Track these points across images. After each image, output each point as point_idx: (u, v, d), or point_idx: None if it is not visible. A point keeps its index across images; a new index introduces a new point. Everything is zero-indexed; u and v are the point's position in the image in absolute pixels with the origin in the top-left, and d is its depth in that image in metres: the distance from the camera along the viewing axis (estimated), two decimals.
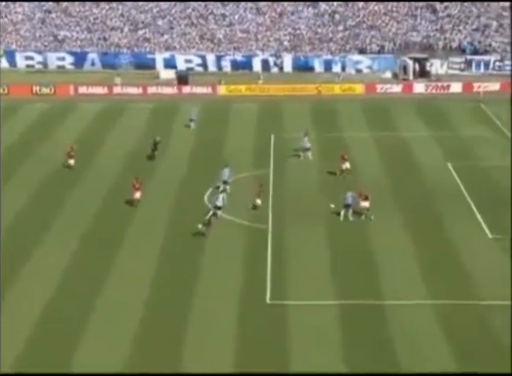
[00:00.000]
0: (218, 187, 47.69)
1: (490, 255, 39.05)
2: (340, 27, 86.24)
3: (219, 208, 42.82)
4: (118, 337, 32.13)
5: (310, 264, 38.33)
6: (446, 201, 46.04)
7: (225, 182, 47.84)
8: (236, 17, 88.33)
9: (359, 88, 75.08)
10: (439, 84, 75.42)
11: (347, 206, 43.13)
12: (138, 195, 45.26)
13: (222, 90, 75.27)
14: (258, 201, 45.02)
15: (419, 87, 75.29)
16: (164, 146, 57.29)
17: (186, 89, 75.58)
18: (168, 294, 35.68)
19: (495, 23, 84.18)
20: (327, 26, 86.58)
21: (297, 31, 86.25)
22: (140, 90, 74.87)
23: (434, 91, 74.65)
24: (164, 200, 46.67)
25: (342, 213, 43.18)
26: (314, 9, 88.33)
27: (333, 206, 43.25)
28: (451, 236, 41.33)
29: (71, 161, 52.18)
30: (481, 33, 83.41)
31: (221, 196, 43.69)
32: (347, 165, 49.99)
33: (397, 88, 75.27)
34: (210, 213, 42.40)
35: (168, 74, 79.38)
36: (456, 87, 74.60)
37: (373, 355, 30.62)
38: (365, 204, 43.17)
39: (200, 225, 41.36)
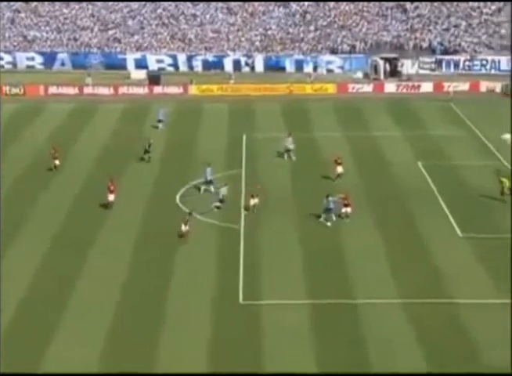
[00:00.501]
0: (199, 187, 47.71)
1: (461, 254, 39.39)
2: (312, 27, 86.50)
3: (222, 201, 44.24)
4: (91, 336, 32.09)
5: (283, 264, 38.44)
6: (417, 200, 46.38)
7: (208, 182, 47.84)
8: (207, 17, 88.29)
9: (331, 88, 75.35)
10: (410, 83, 75.90)
11: (328, 210, 42.72)
12: (112, 197, 45.08)
13: (194, 90, 75.18)
14: (253, 201, 44.55)
15: (390, 87, 75.72)
16: (137, 147, 57.13)
17: (158, 89, 75.41)
18: (141, 294, 35.61)
19: (464, 23, 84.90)
20: (298, 26, 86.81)
21: (269, 31, 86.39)
22: (111, 90, 74.58)
23: (405, 90, 75.12)
24: (136, 200, 46.55)
25: (322, 217, 42.60)
26: (285, 8, 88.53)
27: (329, 224, 42.38)
28: (422, 235, 41.65)
29: (56, 162, 51.91)
30: (450, 33, 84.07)
31: (223, 189, 44.82)
32: (340, 169, 49.19)
33: (368, 88, 75.66)
34: (213, 205, 43.73)
35: (139, 74, 79.15)
36: (427, 87, 75.14)
37: (344, 355, 30.78)
38: (347, 209, 42.73)
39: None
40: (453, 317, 33.36)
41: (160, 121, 62.37)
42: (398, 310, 33.90)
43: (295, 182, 49.97)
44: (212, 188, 47.63)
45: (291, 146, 54.29)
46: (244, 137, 59.97)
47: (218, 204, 45.11)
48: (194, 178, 50.46)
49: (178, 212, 44.90)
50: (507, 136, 52.70)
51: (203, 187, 47.91)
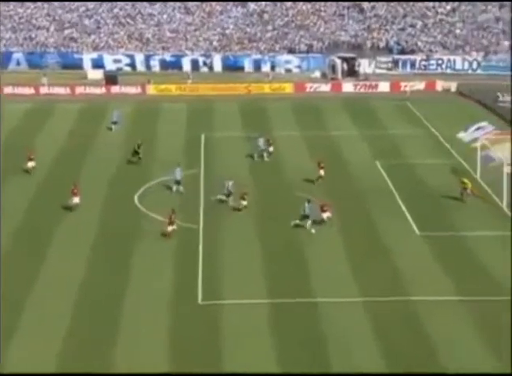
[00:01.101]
0: (170, 187, 47.41)
1: (419, 252, 39.69)
2: (269, 27, 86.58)
3: (228, 195, 44.84)
4: (48, 336, 31.85)
5: (242, 263, 38.39)
6: (375, 199, 46.64)
7: (177, 182, 47.57)
8: (165, 17, 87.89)
9: (289, 88, 75.51)
10: (367, 83, 76.35)
11: (305, 217, 42.04)
12: (77, 200, 44.60)
13: (152, 90, 74.83)
14: (244, 203, 44.30)
15: (347, 86, 76.08)
16: (94, 147, 56.75)
17: (115, 89, 74.90)
18: (98, 294, 35.32)
19: (420, 23, 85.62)
20: (256, 25, 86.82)
21: (227, 31, 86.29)
22: (68, 90, 73.91)
23: (362, 90, 75.55)
24: (94, 201, 46.11)
25: (308, 224, 41.72)
26: (243, 8, 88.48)
27: (313, 231, 41.66)
28: (380, 234, 41.88)
29: (30, 164, 51.10)
30: (407, 33, 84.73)
31: (230, 183, 45.29)
32: (322, 172, 48.81)
33: (326, 88, 75.93)
34: (219, 197, 44.41)
35: (96, 74, 78.52)
36: (384, 86, 75.64)
37: (305, 354, 30.80)
38: (326, 214, 42.13)
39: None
40: (412, 315, 33.58)
41: (114, 122, 61.70)
42: (358, 309, 34.04)
43: (255, 182, 49.95)
44: (181, 188, 47.43)
45: (263, 147, 54.03)
46: (203, 137, 59.83)
47: (222, 197, 45.17)
48: (153, 178, 50.21)
49: (137, 212, 44.65)
50: (462, 135, 53.22)
51: (174, 187, 47.65)
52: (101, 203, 46.12)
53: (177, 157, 53.95)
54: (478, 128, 52.80)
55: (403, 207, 45.39)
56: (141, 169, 52.16)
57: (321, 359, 30.47)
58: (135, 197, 47.06)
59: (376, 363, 30.19)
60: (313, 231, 41.46)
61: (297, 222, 41.88)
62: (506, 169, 45.47)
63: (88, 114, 66.37)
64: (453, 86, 75.25)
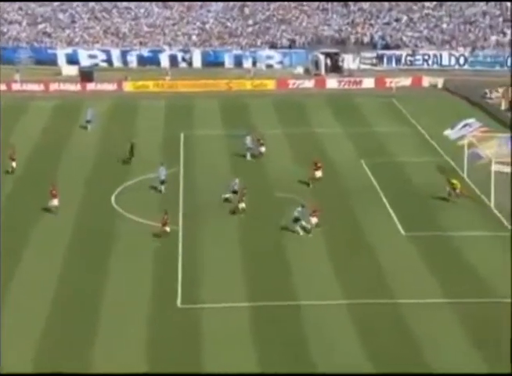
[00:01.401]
0: (154, 187, 47.28)
1: (404, 253, 39.82)
2: (250, 21, 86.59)
3: (235, 192, 45.11)
4: (25, 337, 31.86)
5: (222, 266, 38.39)
6: (360, 199, 46.75)
7: (162, 182, 47.40)
8: (142, 11, 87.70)
9: (271, 84, 75.56)
10: (351, 79, 76.55)
11: (296, 220, 41.61)
12: (55, 202, 44.33)
13: (129, 87, 74.68)
14: (242, 205, 43.81)
15: (331, 82, 76.24)
16: (69, 146, 56.60)
17: (91, 86, 74.70)
18: (75, 297, 35.26)
19: (405, 18, 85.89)
20: (237, 20, 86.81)
21: (206, 25, 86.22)
22: (41, 87, 73.65)
23: (346, 86, 75.73)
24: (71, 202, 45.85)
25: (297, 227, 41.43)
26: (223, 2, 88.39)
27: (301, 233, 41.24)
28: (365, 234, 41.98)
29: (13, 164, 50.79)
30: (392, 27, 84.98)
31: (236, 181, 45.60)
32: (319, 174, 48.35)
33: (309, 84, 76.06)
34: (226, 196, 44.81)
35: (71, 70, 78.26)
36: (369, 82, 75.85)
37: (287, 357, 30.83)
38: (314, 219, 41.67)
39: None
40: (397, 317, 33.69)
41: (88, 121, 61.35)
42: (342, 311, 34.11)
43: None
44: (163, 188, 47.28)
45: (250, 145, 53.78)
46: (182, 135, 59.74)
47: (228, 195, 45.22)
48: (130, 178, 50.11)
49: (114, 213, 44.57)
50: (449, 132, 53.44)
51: (159, 187, 47.47)
52: (77, 203, 45.98)
53: (155, 156, 53.84)
54: (465, 125, 53.08)
55: (388, 207, 45.53)
56: (118, 169, 52.02)
57: (304, 363, 30.48)
58: (112, 198, 46.95)
59: (360, 364, 30.24)
60: (301, 233, 41.28)
61: (296, 226, 41.40)
62: (495, 168, 45.64)
63: (62, 112, 66.14)
64: (440, 82, 75.58)
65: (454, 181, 46.47)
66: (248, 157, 53.87)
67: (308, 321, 33.30)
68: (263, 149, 54.07)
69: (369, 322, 33.27)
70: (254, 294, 35.58)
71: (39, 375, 29.98)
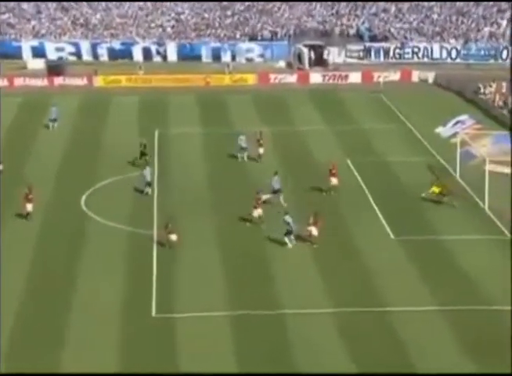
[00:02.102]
0: (142, 191, 47.28)
1: (394, 258, 39.98)
2: (229, 12, 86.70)
3: (275, 192, 45.42)
4: None
5: (200, 273, 38.41)
6: (346, 201, 46.91)
7: (148, 184, 47.34)
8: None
9: (251, 79, 75.71)
10: (337, 73, 76.83)
11: (288, 233, 40.65)
12: (30, 207, 43.88)
13: (99, 81, 74.61)
14: (258, 212, 42.98)
15: (315, 77, 76.49)
16: (36, 145, 56.48)
17: (58, 81, 74.55)
18: (42, 307, 35.14)
19: (393, 8, 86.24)
20: (214, 10, 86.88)
21: (181, 16, 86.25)
22: (5, 82, 73.46)
23: (331, 81, 76.00)
24: (38, 204, 45.58)
25: (287, 240, 40.66)
26: None
27: (290, 246, 40.66)
28: (352, 238, 42.14)
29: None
30: (379, 18, 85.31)
31: (275, 178, 45.65)
32: (334, 181, 47.58)
33: (292, 78, 76.27)
34: (265, 197, 44.60)
35: (37, 64, 78.08)
36: (355, 77, 76.15)
37: (270, 367, 30.86)
38: (312, 228, 40.95)
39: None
40: (386, 325, 33.82)
41: (53, 119, 60.95)
42: (328, 319, 34.21)
43: (214, 183, 49.98)
44: (149, 190, 47.26)
45: (244, 145, 53.44)
46: (156, 133, 59.74)
47: (269, 196, 45.06)
48: (100, 179, 50.07)
49: (84, 216, 44.54)
50: (441, 129, 53.76)
51: (148, 189, 47.38)
52: (45, 206, 45.84)
53: (127, 156, 53.80)
54: (458, 122, 53.41)
55: (377, 210, 45.73)
56: (87, 170, 51.98)
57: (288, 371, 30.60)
58: (82, 200, 46.89)
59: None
60: (290, 246, 40.66)
61: (287, 238, 40.66)
62: (489, 167, 45.92)
63: (28, 109, 65.96)
64: (430, 76, 76.03)
65: (435, 190, 46.13)
66: (243, 158, 53.24)
67: (292, 331, 33.39)
68: (261, 150, 53.35)
69: (356, 331, 33.40)
70: (234, 302, 35.64)
71: (40, 375, 30.14)
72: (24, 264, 39.11)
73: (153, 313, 34.93)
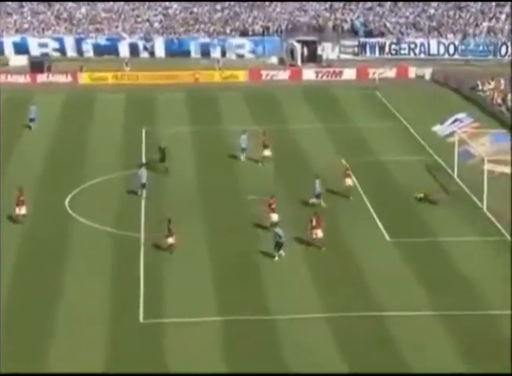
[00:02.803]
0: (137, 193, 47.18)
1: (389, 260, 40.05)
2: (218, 6, 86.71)
3: (318, 196, 45.53)
4: None
5: (189, 277, 38.43)
6: (340, 202, 46.97)
7: (143, 186, 47.23)
8: None
9: (242, 76, 75.80)
10: (331, 70, 76.97)
11: (279, 246, 39.63)
12: (23, 210, 43.63)
13: (84, 78, 74.62)
14: (275, 217, 42.49)
15: (308, 73, 76.62)
16: (18, 144, 56.42)
17: (42, 78, 74.48)
18: (24, 313, 35.08)
19: (389, 2, 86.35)
20: (203, 4, 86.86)
21: (169, 10, 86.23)
22: None
23: (325, 78, 76.14)
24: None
25: (276, 254, 39.77)
26: None
27: (276, 259, 39.61)
28: (346, 240, 42.20)
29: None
30: (374, 12, 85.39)
31: (317, 181, 45.65)
32: (349, 182, 47.44)
33: (284, 75, 76.38)
34: (310, 202, 45.01)
35: (20, 61, 78.00)
36: (350, 73, 76.32)
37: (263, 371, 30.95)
38: (317, 232, 40.58)
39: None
40: (381, 330, 33.86)
41: (32, 119, 60.86)
42: (321, 325, 34.24)
43: (204, 183, 49.99)
44: (144, 192, 47.14)
45: (245, 146, 53.02)
46: (144, 132, 59.74)
47: (315, 200, 45.26)
48: (85, 180, 50.07)
49: (69, 219, 44.52)
50: (438, 128, 53.89)
51: (143, 191, 47.21)
52: (28, 207, 45.71)
53: (114, 156, 53.79)
54: (456, 121, 53.53)
55: (372, 211, 45.81)
56: (73, 170, 51.98)
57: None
58: (66, 202, 46.87)
59: None
60: (276, 258, 39.81)
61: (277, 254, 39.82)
62: (488, 167, 46.02)
63: (10, 107, 65.85)
64: (427, 73, 76.23)
65: (420, 195, 46.29)
66: (242, 158, 53.04)
67: (284, 336, 33.42)
68: (267, 152, 52.73)
69: (350, 336, 33.44)
70: (224, 307, 35.66)
71: (43, 375, 30.25)
72: (7, 267, 39.04)
73: (141, 319, 34.93)
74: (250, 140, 53.61)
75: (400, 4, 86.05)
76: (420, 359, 31.59)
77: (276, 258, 39.87)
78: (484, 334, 33.38)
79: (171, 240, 40.36)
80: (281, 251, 39.86)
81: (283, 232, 39.89)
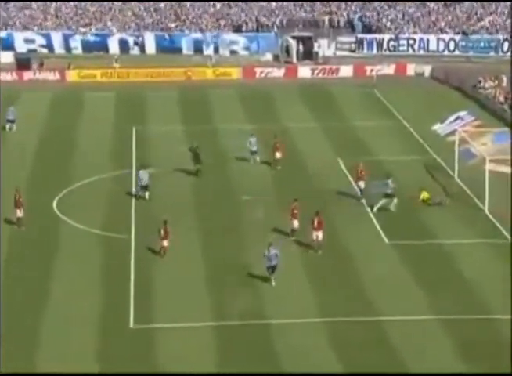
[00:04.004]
0: (135, 195, 47.22)
1: (388, 263, 40.16)
2: (211, 1, 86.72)
3: (388, 195, 45.30)
4: None
5: (181, 281, 38.46)
6: (337, 203, 47.04)
7: (145, 187, 47.13)
8: None
9: (235, 73, 75.88)
10: (327, 67, 77.09)
11: (270, 268, 37.62)
12: (21, 213, 43.40)
13: (73, 76, 74.64)
14: (296, 223, 41.96)
15: (304, 71, 76.73)
16: (5, 145, 56.47)
17: (28, 75, 74.47)
18: (13, 316, 35.08)
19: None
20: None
21: (161, 5, 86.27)
22: None
23: (321, 75, 76.26)
24: (7, 208, 45.60)
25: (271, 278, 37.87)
26: None
27: (273, 284, 37.89)
28: (343, 242, 42.29)
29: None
30: (372, 7, 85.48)
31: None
32: (362, 185, 47.29)
33: (279, 73, 76.47)
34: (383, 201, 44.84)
35: (5, 57, 77.98)
36: (346, 70, 76.44)
37: None
38: (317, 234, 40.53)
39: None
40: (380, 335, 33.96)
41: (10, 120, 60.56)
42: (319, 329, 34.33)
43: (196, 184, 50.05)
44: (147, 195, 47.08)
45: (254, 148, 52.66)
46: (134, 131, 59.79)
47: (384, 201, 45.09)
48: (73, 181, 50.12)
49: (56, 220, 44.55)
50: (438, 126, 54.00)
51: (141, 193, 47.20)
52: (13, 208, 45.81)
53: (103, 156, 53.79)
54: (456, 119, 53.63)
55: (369, 212, 45.89)
56: (61, 171, 52.00)
57: None
58: (54, 203, 46.91)
59: None
60: (273, 284, 37.95)
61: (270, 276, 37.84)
62: (490, 166, 46.10)
63: None
64: (427, 70, 76.39)
65: (425, 194, 46.47)
66: (255, 161, 52.70)
67: (280, 341, 33.47)
68: (278, 155, 52.28)
69: (348, 340, 33.54)
70: (218, 312, 35.70)
71: (41, 375, 30.34)
72: None
73: (131, 324, 34.98)
74: (259, 143, 53.20)
75: None
76: (420, 362, 31.71)
77: (273, 284, 37.67)
78: (485, 337, 33.50)
79: (165, 243, 40.37)
80: (274, 276, 37.57)
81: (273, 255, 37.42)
